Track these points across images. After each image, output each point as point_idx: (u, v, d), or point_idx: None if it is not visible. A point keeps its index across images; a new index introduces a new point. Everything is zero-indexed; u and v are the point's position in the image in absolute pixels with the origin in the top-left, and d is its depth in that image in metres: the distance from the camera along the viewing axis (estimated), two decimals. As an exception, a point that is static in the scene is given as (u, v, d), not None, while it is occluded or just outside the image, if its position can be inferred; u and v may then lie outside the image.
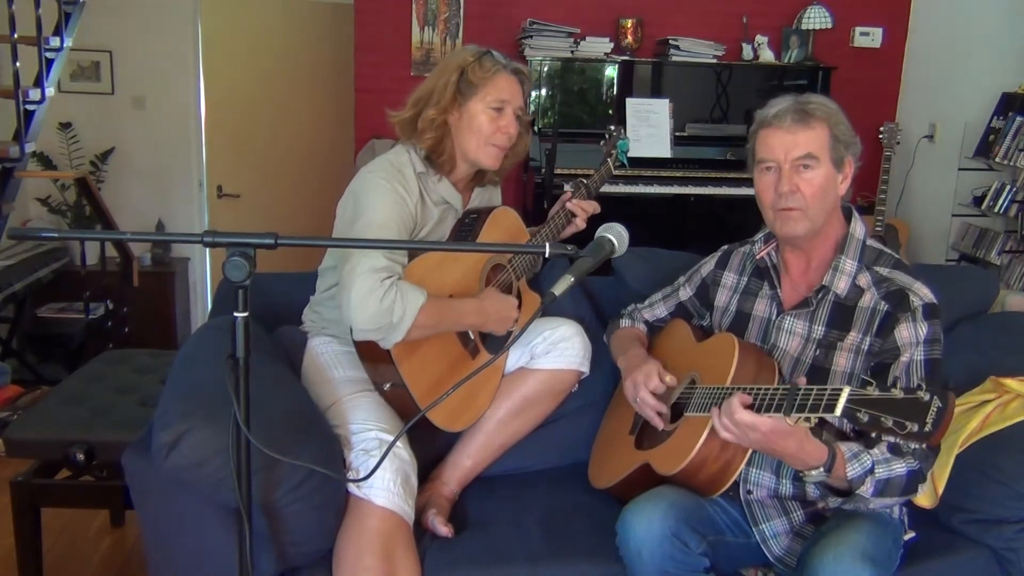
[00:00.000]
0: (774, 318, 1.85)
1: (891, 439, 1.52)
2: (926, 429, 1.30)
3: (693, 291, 2.08)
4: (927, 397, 1.31)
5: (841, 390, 1.40)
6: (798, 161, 1.71)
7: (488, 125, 1.93)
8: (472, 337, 1.99)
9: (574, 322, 2.11)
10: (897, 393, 1.34)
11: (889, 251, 1.81)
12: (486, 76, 1.92)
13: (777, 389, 1.54)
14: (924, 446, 1.57)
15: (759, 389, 1.58)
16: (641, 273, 2.32)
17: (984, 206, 4.06)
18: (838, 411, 1.39)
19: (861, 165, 1.80)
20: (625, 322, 2.17)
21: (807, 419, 1.47)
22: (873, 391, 1.37)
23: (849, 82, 4.56)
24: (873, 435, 1.41)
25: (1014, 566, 1.89)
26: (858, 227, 1.80)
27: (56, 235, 1.56)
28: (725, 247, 2.06)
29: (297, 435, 1.62)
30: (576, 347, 2.06)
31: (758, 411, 1.54)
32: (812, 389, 1.46)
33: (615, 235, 1.73)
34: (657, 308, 2.15)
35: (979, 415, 2.04)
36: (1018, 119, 3.88)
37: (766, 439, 1.53)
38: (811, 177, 1.71)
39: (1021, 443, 1.95)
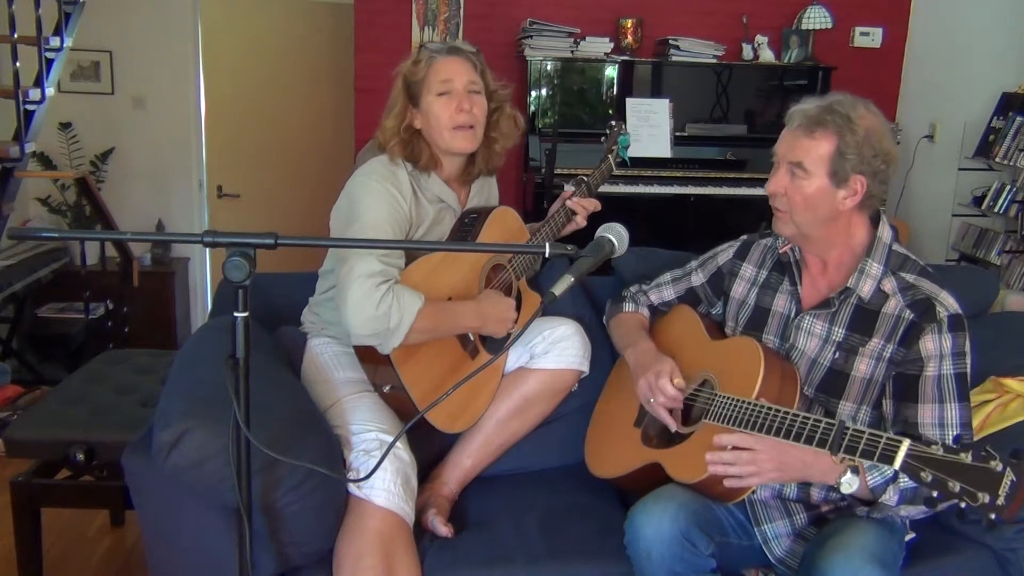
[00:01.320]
0: (793, 316, 1.83)
1: (959, 504, 1.44)
2: (999, 502, 1.24)
3: (706, 278, 2.05)
4: (999, 468, 1.25)
5: (900, 442, 1.35)
6: (791, 165, 1.71)
7: (443, 111, 1.92)
8: (472, 338, 1.98)
9: (574, 322, 2.11)
10: (965, 458, 1.28)
11: (915, 257, 1.78)
12: (423, 69, 1.93)
13: (820, 421, 1.49)
14: (994, 517, 1.43)
15: (797, 416, 1.54)
16: (641, 273, 2.32)
17: (984, 206, 4.06)
18: (897, 464, 1.34)
19: (885, 182, 1.73)
20: (629, 306, 2.14)
21: (852, 460, 1.42)
22: (937, 450, 1.30)
23: (849, 82, 4.54)
24: (935, 495, 1.34)
25: (1014, 566, 1.88)
26: (885, 231, 1.77)
27: (56, 235, 1.56)
28: (745, 237, 2.03)
29: (297, 435, 1.62)
30: (576, 347, 2.06)
31: (796, 440, 1.51)
32: (863, 432, 1.41)
33: (615, 235, 1.73)
34: (665, 291, 2.12)
35: (979, 415, 2.04)
36: (1018, 119, 3.88)
37: (778, 454, 1.50)
38: (800, 185, 1.69)
39: (1021, 443, 1.94)
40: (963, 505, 1.32)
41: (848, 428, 1.43)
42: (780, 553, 1.76)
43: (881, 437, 1.38)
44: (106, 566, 2.64)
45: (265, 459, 1.49)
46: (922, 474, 1.31)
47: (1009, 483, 1.23)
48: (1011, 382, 2.07)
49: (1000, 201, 3.97)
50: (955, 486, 1.27)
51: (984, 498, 1.24)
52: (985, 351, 2.22)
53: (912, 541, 1.81)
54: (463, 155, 2.00)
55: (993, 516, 1.34)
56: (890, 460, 1.35)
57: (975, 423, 2.01)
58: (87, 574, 2.60)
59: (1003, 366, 2.14)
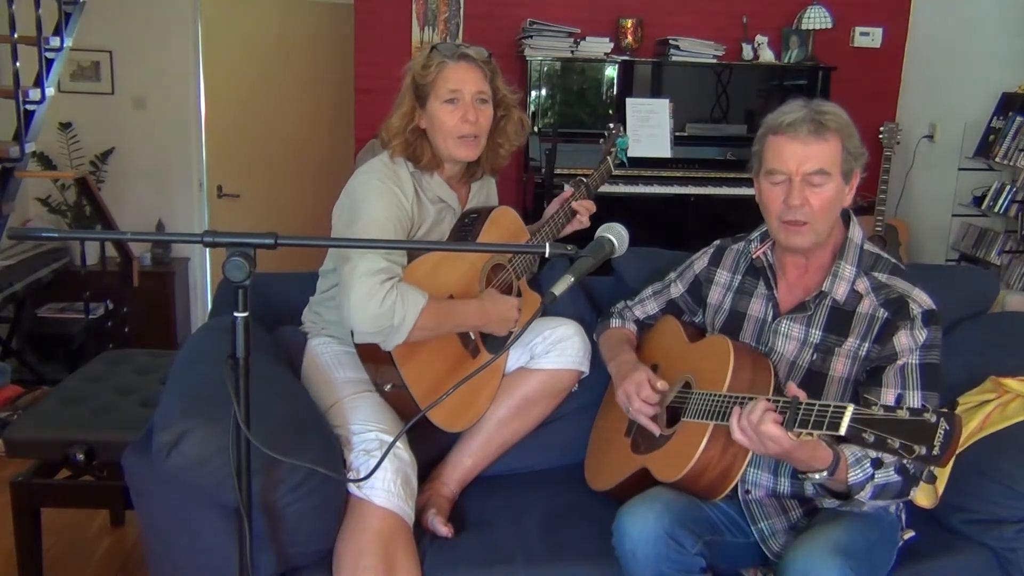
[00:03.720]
0: (770, 320, 1.84)
1: (898, 461, 1.49)
2: (934, 452, 1.28)
3: (685, 288, 2.07)
4: (933, 419, 1.29)
5: (845, 408, 1.38)
6: (810, 175, 1.67)
7: (448, 119, 1.92)
8: (473, 337, 1.99)
9: (574, 322, 2.11)
10: (903, 414, 1.32)
11: (887, 255, 1.80)
12: (433, 73, 1.91)
13: (777, 401, 1.52)
14: (931, 468, 1.54)
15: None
16: (641, 273, 2.32)
17: (984, 206, 4.06)
18: (842, 430, 1.36)
19: (867, 175, 1.78)
20: (615, 322, 2.16)
21: (809, 434, 1.45)
22: (878, 410, 1.34)
23: (849, 82, 4.55)
24: (878, 455, 1.38)
25: (1014, 566, 1.89)
26: (856, 232, 1.79)
27: (56, 235, 1.56)
28: (718, 243, 2.05)
29: (297, 435, 1.62)
30: (576, 347, 2.06)
31: None
32: (814, 404, 1.44)
33: (615, 235, 1.73)
34: (648, 304, 2.14)
35: (979, 415, 2.04)
36: (1018, 119, 3.87)
37: (784, 452, 1.52)
38: (821, 192, 1.67)
39: (1021, 443, 1.94)
40: (906, 463, 1.35)
41: (801, 404, 1.46)
42: (778, 549, 1.76)
43: (829, 406, 1.41)
44: (106, 566, 2.64)
45: (265, 459, 1.49)
46: (864, 435, 1.34)
47: (943, 432, 1.28)
48: (1011, 382, 2.07)
49: (1000, 201, 3.97)
50: (895, 442, 1.31)
51: (921, 450, 1.29)
52: (985, 351, 2.24)
53: (912, 540, 1.82)
54: (459, 161, 2.00)
55: (932, 468, 1.36)
56: (836, 427, 1.37)
57: (974, 423, 2.02)
58: (87, 574, 2.60)
59: (1003, 366, 2.14)
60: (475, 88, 1.93)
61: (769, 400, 1.53)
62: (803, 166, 1.67)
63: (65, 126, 4.61)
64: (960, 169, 4.22)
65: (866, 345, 1.71)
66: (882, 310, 1.70)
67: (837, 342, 1.74)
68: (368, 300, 1.70)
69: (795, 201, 1.67)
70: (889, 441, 1.31)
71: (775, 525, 1.78)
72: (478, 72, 1.94)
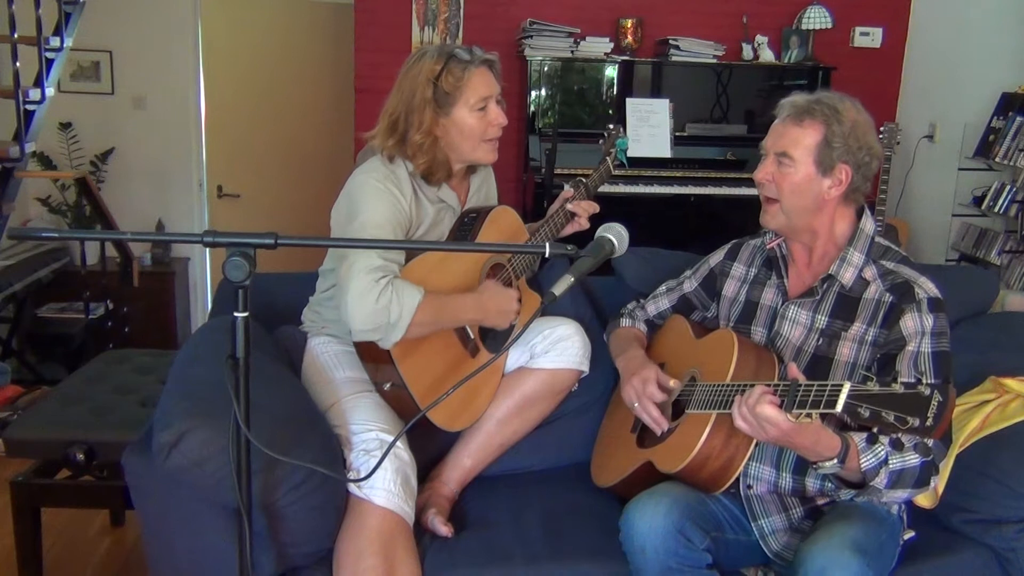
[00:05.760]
0: (779, 307, 1.86)
1: (893, 434, 1.53)
2: (927, 423, 1.32)
3: (698, 282, 2.09)
4: (928, 392, 1.33)
5: (842, 386, 1.41)
6: (779, 155, 1.77)
7: (478, 125, 1.91)
8: (472, 336, 1.99)
9: (574, 321, 2.11)
10: (898, 388, 1.35)
11: (896, 248, 1.83)
12: (460, 81, 1.88)
13: (777, 385, 1.55)
14: (929, 442, 1.56)
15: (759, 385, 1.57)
16: (641, 273, 2.32)
17: (984, 206, 4.06)
18: (839, 407, 1.40)
19: (868, 176, 1.78)
20: (625, 321, 2.18)
21: (808, 415, 1.47)
22: (874, 386, 1.37)
23: (849, 82, 4.55)
24: (875, 430, 1.41)
25: (1014, 566, 1.88)
26: (868, 223, 1.83)
27: (56, 235, 1.56)
28: (735, 240, 2.08)
29: (297, 435, 1.62)
30: (576, 346, 2.06)
31: None
32: (812, 385, 1.46)
33: (615, 235, 1.73)
34: (660, 301, 2.16)
35: (979, 415, 2.04)
36: (1018, 119, 3.87)
37: (783, 435, 1.53)
38: (787, 173, 1.76)
39: (1021, 443, 1.95)
40: (899, 435, 1.40)
41: (800, 386, 1.49)
42: (776, 548, 1.77)
43: (827, 385, 1.44)
44: (106, 566, 2.64)
45: (265, 459, 1.49)
46: (859, 410, 1.38)
47: (936, 404, 1.32)
48: (1011, 382, 2.07)
49: (1000, 201, 3.97)
50: (889, 415, 1.35)
51: (914, 422, 1.33)
52: (985, 351, 2.24)
53: (911, 540, 1.82)
54: (478, 164, 2.00)
55: (929, 442, 1.47)
56: (833, 404, 1.40)
57: (975, 422, 2.02)
58: (87, 574, 2.60)
59: (1003, 366, 2.14)
60: (497, 90, 1.95)
61: (768, 385, 1.55)
62: (774, 145, 1.79)
63: (65, 126, 4.61)
64: (960, 169, 4.22)
65: (872, 330, 1.73)
66: (888, 295, 1.74)
67: (843, 327, 1.76)
68: (364, 297, 1.70)
69: (759, 175, 1.80)
70: (884, 415, 1.35)
71: (775, 523, 1.78)
72: (495, 75, 1.95)
